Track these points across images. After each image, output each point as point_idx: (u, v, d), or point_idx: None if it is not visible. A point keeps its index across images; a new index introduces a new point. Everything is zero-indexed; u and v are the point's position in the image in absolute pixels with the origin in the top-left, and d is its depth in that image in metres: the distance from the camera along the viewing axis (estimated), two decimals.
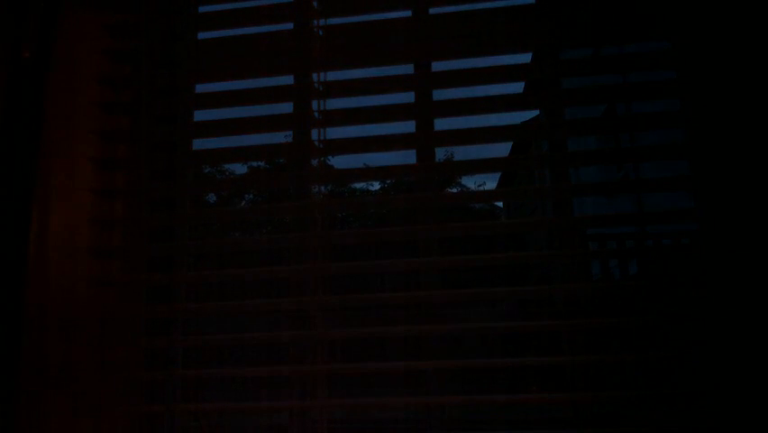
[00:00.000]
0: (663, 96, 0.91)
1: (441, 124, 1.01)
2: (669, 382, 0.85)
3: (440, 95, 1.00)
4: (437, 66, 1.02)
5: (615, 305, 0.90)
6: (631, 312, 0.86)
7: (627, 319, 0.87)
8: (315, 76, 1.03)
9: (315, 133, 1.01)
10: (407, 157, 1.02)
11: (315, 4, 1.04)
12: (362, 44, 1.03)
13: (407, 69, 1.03)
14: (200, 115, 1.09)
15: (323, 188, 1.01)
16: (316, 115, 1.01)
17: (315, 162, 1.02)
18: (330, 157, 1.03)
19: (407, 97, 1.01)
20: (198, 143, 1.09)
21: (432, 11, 1.02)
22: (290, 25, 1.06)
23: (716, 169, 0.87)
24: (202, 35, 1.10)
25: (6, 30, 1.01)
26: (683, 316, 0.84)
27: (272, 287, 1.00)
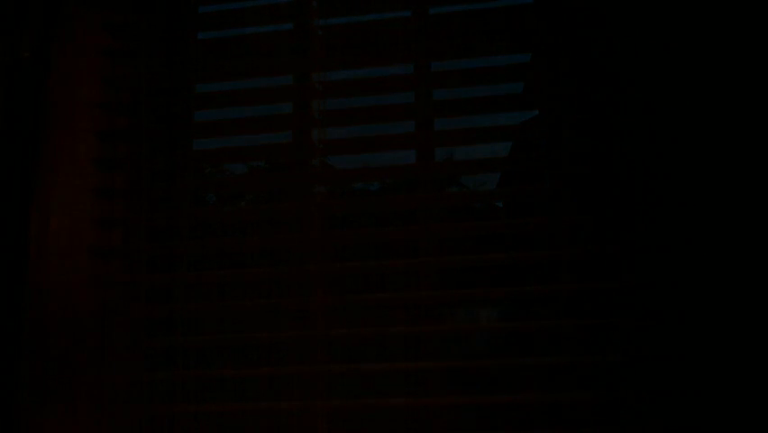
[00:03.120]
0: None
1: (441, 124, 1.02)
2: (667, 381, 0.85)
3: (440, 95, 1.00)
4: (437, 66, 1.02)
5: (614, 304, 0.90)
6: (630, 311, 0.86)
7: (627, 319, 0.87)
8: (315, 76, 1.03)
9: (315, 133, 1.01)
10: (407, 157, 1.03)
11: (314, 4, 1.04)
12: (362, 44, 1.03)
13: (407, 69, 1.03)
14: (200, 115, 1.09)
15: (323, 188, 1.01)
16: (316, 115, 1.01)
17: (315, 162, 1.02)
18: (330, 156, 1.03)
19: (407, 97, 1.01)
20: (198, 143, 1.09)
21: (432, 11, 1.02)
22: (290, 25, 1.06)
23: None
24: (202, 35, 1.10)
25: (6, 30, 1.01)
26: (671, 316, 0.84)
27: (272, 287, 1.00)
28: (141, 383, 1.00)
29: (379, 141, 0.99)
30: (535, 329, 0.88)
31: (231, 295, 1.02)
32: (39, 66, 1.00)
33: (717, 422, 0.81)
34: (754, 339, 0.82)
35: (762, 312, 0.82)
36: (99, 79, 1.07)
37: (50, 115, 1.00)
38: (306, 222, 1.00)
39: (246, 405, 0.94)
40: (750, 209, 0.85)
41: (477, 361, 0.90)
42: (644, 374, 0.86)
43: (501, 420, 0.90)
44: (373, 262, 0.94)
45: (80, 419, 0.96)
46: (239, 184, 1.03)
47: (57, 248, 0.98)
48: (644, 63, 0.93)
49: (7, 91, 0.99)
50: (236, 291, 1.02)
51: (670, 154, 0.90)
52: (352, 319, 0.97)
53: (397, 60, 1.02)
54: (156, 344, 0.98)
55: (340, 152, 1.01)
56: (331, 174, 1.00)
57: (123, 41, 1.10)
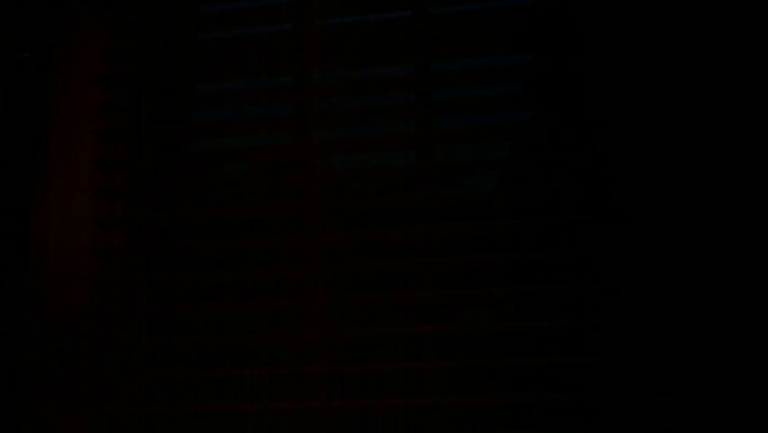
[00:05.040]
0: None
1: (441, 124, 1.01)
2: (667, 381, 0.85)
3: (440, 95, 1.00)
4: (437, 66, 1.02)
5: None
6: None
7: (626, 319, 0.87)
8: (315, 76, 1.03)
9: (315, 133, 1.01)
10: (407, 157, 1.03)
11: (314, 4, 1.04)
12: (362, 44, 1.03)
13: (407, 69, 1.03)
14: (200, 115, 1.09)
15: (323, 188, 1.01)
16: (316, 115, 1.01)
17: (315, 162, 1.01)
18: (330, 156, 1.03)
19: (407, 97, 1.01)
20: (198, 143, 1.09)
21: (432, 11, 1.02)
22: (290, 25, 1.06)
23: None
24: (202, 35, 1.09)
25: (6, 30, 1.01)
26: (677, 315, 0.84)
27: (272, 287, 1.00)
28: (141, 383, 0.99)
29: (378, 141, 0.99)
30: (535, 329, 0.88)
31: (231, 295, 1.02)
32: (39, 66, 1.00)
33: (714, 422, 0.81)
34: (750, 339, 0.82)
35: (756, 312, 0.82)
36: (99, 79, 1.07)
37: (50, 114, 1.00)
38: (306, 222, 0.99)
39: (246, 405, 0.94)
40: (744, 212, 0.85)
41: (477, 361, 0.89)
42: (640, 374, 0.86)
43: (501, 420, 0.90)
44: (373, 262, 0.94)
45: (80, 418, 0.96)
46: (239, 184, 1.03)
47: (57, 248, 0.98)
48: (642, 64, 0.93)
49: (7, 91, 0.99)
50: (236, 291, 1.02)
51: (668, 156, 0.90)
52: (352, 319, 0.97)
53: (397, 60, 1.02)
54: (156, 344, 0.98)
55: (340, 151, 1.00)
56: (331, 174, 1.00)
57: (123, 41, 1.10)
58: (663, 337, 0.86)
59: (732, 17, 0.90)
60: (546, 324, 0.88)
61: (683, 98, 0.91)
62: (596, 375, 0.89)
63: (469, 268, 0.95)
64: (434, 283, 0.96)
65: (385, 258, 0.96)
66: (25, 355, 0.93)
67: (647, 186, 0.90)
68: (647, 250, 0.88)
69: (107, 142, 1.06)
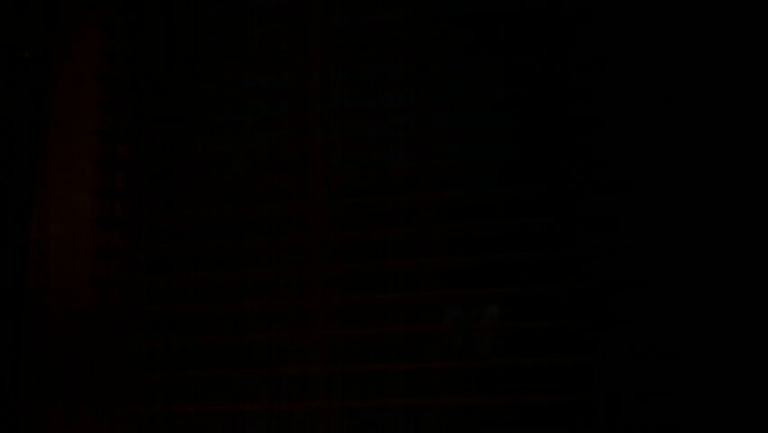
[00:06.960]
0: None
1: (441, 124, 1.01)
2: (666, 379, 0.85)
3: (440, 95, 1.00)
4: (437, 66, 1.02)
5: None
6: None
7: (626, 319, 0.87)
8: (314, 76, 1.03)
9: (315, 133, 1.01)
10: (407, 157, 1.02)
11: (315, 4, 1.04)
12: (362, 44, 1.03)
13: (407, 69, 1.03)
14: (200, 115, 1.09)
15: (323, 188, 1.01)
16: (316, 115, 1.01)
17: (315, 163, 1.01)
18: (330, 157, 1.03)
19: (407, 97, 1.01)
20: (198, 143, 1.09)
21: (432, 11, 1.02)
22: (290, 25, 1.06)
23: None
24: (202, 35, 1.09)
25: (6, 30, 1.01)
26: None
27: (272, 287, 1.00)
28: (141, 383, 0.99)
29: (378, 141, 0.99)
30: (535, 329, 0.89)
31: (231, 295, 1.02)
32: (39, 66, 1.00)
33: (714, 422, 0.81)
34: (749, 339, 0.82)
35: (755, 311, 0.82)
36: (99, 79, 1.07)
37: (50, 115, 1.00)
38: (306, 222, 0.99)
39: (246, 405, 0.94)
40: (742, 212, 0.85)
41: (477, 361, 0.89)
42: (639, 374, 0.86)
43: (501, 420, 0.90)
44: (373, 262, 0.94)
45: (80, 419, 0.96)
46: (239, 184, 1.03)
47: (57, 248, 0.98)
48: (640, 65, 0.93)
49: (7, 92, 0.99)
50: (236, 291, 1.02)
51: (667, 157, 0.90)
52: (352, 320, 0.97)
53: (397, 60, 1.02)
54: (156, 344, 0.98)
55: (340, 151, 1.00)
56: (331, 175, 1.00)
57: (123, 41, 1.10)
58: (663, 337, 0.86)
59: (727, 21, 0.90)
60: (546, 324, 0.88)
61: (681, 99, 0.91)
62: (596, 375, 0.89)
63: (469, 268, 0.95)
64: (434, 283, 0.96)
65: (385, 258, 0.96)
66: (25, 355, 0.93)
67: (646, 186, 0.90)
68: (646, 250, 0.88)
69: (107, 142, 1.06)
